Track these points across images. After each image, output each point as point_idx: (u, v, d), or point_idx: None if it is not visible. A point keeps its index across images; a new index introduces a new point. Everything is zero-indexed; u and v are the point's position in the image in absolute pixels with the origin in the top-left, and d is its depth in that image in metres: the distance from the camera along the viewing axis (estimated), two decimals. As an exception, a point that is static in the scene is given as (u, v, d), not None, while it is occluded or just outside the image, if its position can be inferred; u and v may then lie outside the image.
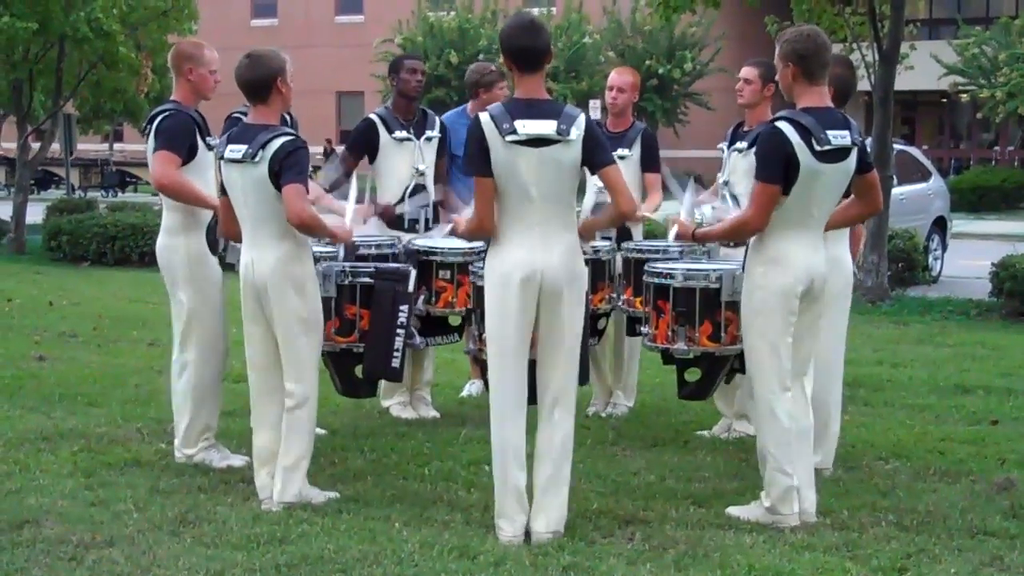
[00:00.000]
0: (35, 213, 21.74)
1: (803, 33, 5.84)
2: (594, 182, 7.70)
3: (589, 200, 7.98)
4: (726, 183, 7.45)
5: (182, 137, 6.70)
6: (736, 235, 5.99)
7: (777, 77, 5.99)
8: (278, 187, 5.93)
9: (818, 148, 5.64)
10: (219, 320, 6.91)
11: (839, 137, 5.68)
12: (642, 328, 6.96)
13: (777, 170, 5.66)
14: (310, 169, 6.20)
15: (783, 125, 5.68)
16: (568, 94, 35.13)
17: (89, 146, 43.77)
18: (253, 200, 6.03)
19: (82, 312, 13.16)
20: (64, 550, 5.46)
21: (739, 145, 7.36)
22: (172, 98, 6.91)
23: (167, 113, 6.77)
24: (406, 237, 7.84)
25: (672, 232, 6.33)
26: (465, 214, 6.04)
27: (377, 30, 41.39)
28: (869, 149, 12.48)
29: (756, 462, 6.10)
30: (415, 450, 7.24)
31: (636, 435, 7.67)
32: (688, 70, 38.47)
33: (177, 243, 6.85)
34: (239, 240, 6.27)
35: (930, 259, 16.91)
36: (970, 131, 43.12)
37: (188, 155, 6.72)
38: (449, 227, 6.66)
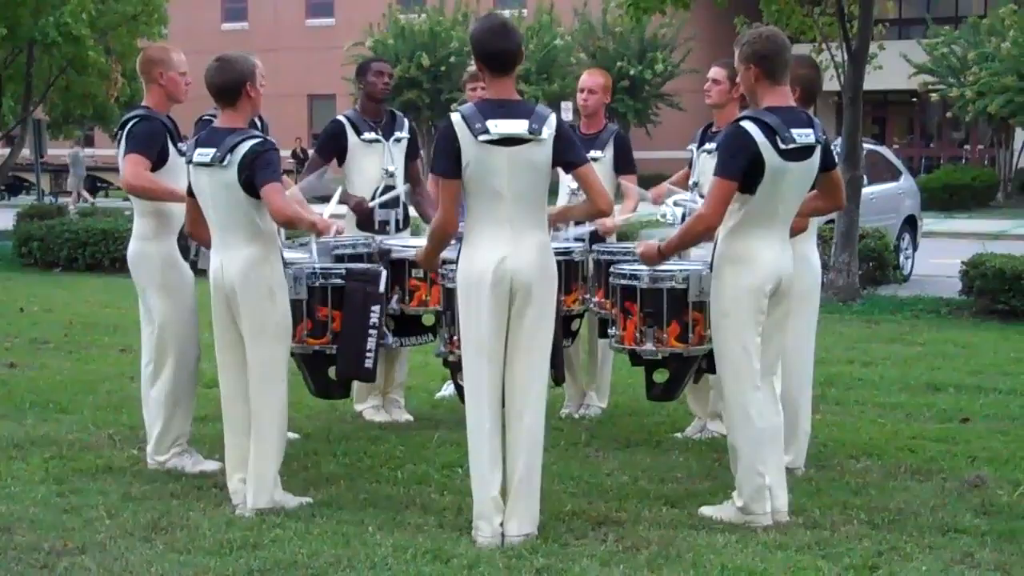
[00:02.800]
0: (5, 219, 21.62)
1: (762, 35, 5.87)
2: (567, 183, 7.72)
3: (562, 202, 7.99)
4: (696, 184, 7.46)
5: (153, 141, 6.70)
6: (695, 235, 5.95)
7: (739, 80, 6.01)
8: (247, 191, 5.94)
9: (783, 146, 5.66)
10: (191, 326, 6.89)
11: (803, 135, 5.71)
12: (609, 329, 6.97)
13: (737, 167, 5.67)
14: (281, 170, 6.19)
15: (748, 124, 5.70)
16: (540, 96, 35.13)
17: (60, 151, 43.51)
18: (222, 204, 6.03)
19: (53, 318, 13.09)
20: (36, 557, 5.44)
21: (708, 146, 7.37)
22: (143, 103, 6.89)
23: (138, 118, 6.76)
24: (377, 238, 7.83)
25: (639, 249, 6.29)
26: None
27: (348, 33, 41.34)
28: (839, 149, 12.56)
29: (728, 462, 6.12)
30: (388, 454, 7.24)
31: (609, 436, 7.68)
32: (659, 71, 38.56)
33: (148, 249, 6.84)
34: (207, 244, 6.26)
35: (901, 258, 16.96)
36: (940, 130, 43.34)
37: (159, 160, 6.71)
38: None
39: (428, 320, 7.77)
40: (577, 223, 7.36)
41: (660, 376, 6.93)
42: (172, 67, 6.84)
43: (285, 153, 26.35)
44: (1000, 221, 27.99)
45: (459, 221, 5.73)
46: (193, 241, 6.68)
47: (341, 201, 7.83)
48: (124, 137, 6.75)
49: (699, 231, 5.89)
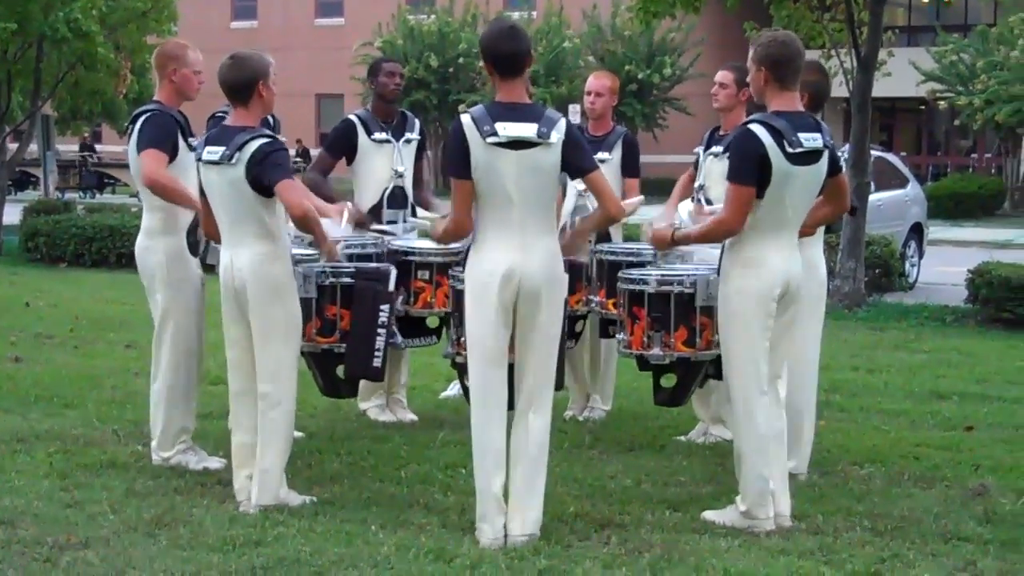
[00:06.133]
0: (12, 214, 21.65)
1: (777, 39, 5.88)
2: (574, 184, 7.72)
3: (570, 203, 7.98)
4: (701, 187, 7.47)
5: (167, 136, 6.70)
6: (714, 237, 6.00)
7: (748, 79, 6.03)
8: (256, 189, 5.95)
9: (790, 150, 5.68)
10: (194, 322, 6.89)
11: (811, 140, 5.73)
12: (618, 334, 6.97)
13: (750, 171, 5.69)
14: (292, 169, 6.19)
15: (755, 127, 5.72)
16: (548, 98, 35.15)
17: (67, 147, 43.58)
18: (231, 201, 6.04)
19: (59, 313, 13.11)
20: (39, 551, 5.45)
21: (715, 149, 7.39)
22: (155, 98, 6.91)
23: (150, 113, 6.77)
24: (385, 239, 7.82)
25: (647, 235, 6.32)
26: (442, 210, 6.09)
27: (357, 33, 41.38)
28: (847, 155, 12.54)
29: (732, 466, 6.12)
30: (392, 453, 7.24)
31: (613, 439, 7.68)
32: (668, 75, 38.57)
33: (156, 244, 6.85)
34: (219, 240, 6.27)
35: (907, 265, 16.96)
36: (948, 138, 43.30)
37: (171, 155, 6.71)
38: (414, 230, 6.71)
39: (432, 322, 7.77)
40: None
41: (667, 381, 6.93)
42: (186, 64, 6.85)
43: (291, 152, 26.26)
44: (1007, 230, 27.99)
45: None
46: (203, 238, 6.68)
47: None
48: (136, 132, 6.75)
49: (719, 234, 5.92)
